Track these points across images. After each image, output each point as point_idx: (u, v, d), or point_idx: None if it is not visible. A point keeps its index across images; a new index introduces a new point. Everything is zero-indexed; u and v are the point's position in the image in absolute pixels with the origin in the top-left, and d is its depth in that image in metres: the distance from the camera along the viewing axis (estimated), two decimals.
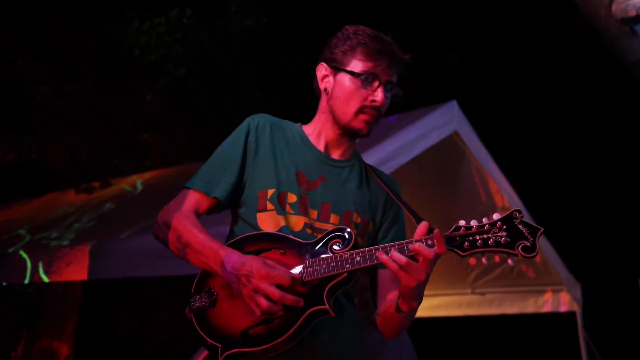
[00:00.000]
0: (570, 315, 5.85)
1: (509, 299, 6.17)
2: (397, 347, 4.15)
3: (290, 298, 1.77)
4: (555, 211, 8.93)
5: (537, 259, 5.73)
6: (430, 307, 6.39)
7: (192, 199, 2.03)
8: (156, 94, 8.22)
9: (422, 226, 1.80)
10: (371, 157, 3.79)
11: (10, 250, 4.67)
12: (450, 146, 4.87)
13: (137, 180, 6.74)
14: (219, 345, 1.83)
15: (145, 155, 8.36)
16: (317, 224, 2.00)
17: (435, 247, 1.74)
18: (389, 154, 4.01)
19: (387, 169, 3.94)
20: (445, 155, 5.02)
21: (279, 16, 8.66)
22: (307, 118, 2.24)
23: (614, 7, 4.32)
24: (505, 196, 5.26)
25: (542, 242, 5.55)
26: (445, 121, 4.54)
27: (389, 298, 2.01)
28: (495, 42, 9.55)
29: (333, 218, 2.02)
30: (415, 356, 4.24)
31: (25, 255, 4.39)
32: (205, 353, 1.89)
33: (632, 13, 4.26)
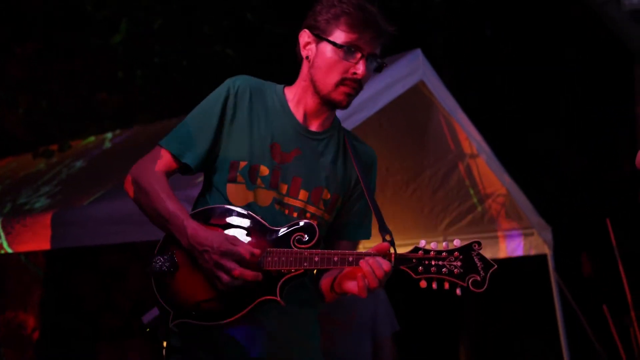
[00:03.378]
0: (542, 257, 6.01)
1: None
2: (371, 301, 4.22)
3: (249, 273, 1.85)
4: (523, 156, 9.06)
5: (508, 203, 5.85)
6: None
7: (164, 159, 2.06)
8: (111, 51, 8.06)
9: (383, 246, 1.89)
10: (337, 112, 3.80)
11: None
12: (416, 96, 4.88)
13: (104, 140, 6.68)
14: (171, 312, 1.93)
15: (103, 115, 8.25)
16: (286, 199, 2.05)
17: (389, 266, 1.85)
18: (354, 107, 3.97)
19: (354, 121, 3.95)
20: (411, 105, 5.04)
21: None
22: (283, 79, 2.23)
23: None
24: (473, 143, 5.32)
25: (512, 188, 5.66)
26: (410, 71, 4.54)
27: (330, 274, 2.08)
28: None
29: (302, 194, 2.07)
30: (390, 307, 4.32)
31: None
32: (156, 314, 1.96)
33: None
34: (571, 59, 9.85)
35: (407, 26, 9.29)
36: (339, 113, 2.22)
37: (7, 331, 6.11)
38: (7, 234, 4.24)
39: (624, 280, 4.44)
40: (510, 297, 9.09)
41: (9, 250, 4.30)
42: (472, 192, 5.76)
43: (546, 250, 5.98)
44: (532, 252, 6.05)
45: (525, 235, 6.06)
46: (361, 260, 1.85)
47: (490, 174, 5.55)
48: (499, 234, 6.10)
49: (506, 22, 9.97)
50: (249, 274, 1.85)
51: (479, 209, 5.89)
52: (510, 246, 6.10)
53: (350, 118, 3.92)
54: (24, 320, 6.16)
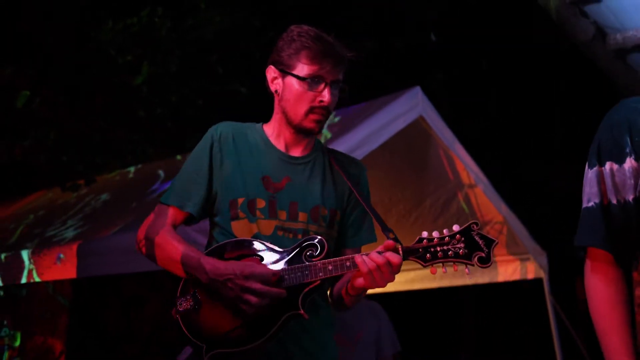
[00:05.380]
0: (538, 281, 6.00)
1: (480, 270, 6.29)
2: (375, 322, 4.24)
3: (275, 291, 1.88)
4: (519, 185, 9.07)
5: (505, 230, 5.86)
6: (407, 281, 6.49)
7: (168, 213, 2.11)
8: (133, 91, 8.17)
9: (389, 243, 1.90)
10: (342, 145, 3.86)
11: (6, 251, 4.66)
12: (416, 130, 4.95)
13: (127, 174, 6.75)
14: (204, 345, 1.94)
15: (125, 151, 8.33)
16: (287, 224, 2.08)
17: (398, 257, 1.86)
18: (359, 142, 4.10)
19: (358, 155, 3.99)
20: (412, 139, 5.10)
21: (250, 9, 8.61)
22: None
23: None
24: (471, 174, 5.36)
25: (509, 215, 5.68)
26: (410, 107, 4.61)
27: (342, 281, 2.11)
28: (456, 25, 9.61)
29: (302, 216, 2.09)
30: (392, 329, 4.34)
31: (25, 256, 4.40)
32: (190, 351, 1.98)
33: None
34: (562, 92, 9.90)
35: (408, 64, 9.42)
36: (344, 147, 2.25)
37: (36, 355, 6.12)
38: (36, 263, 4.28)
39: None
40: (508, 319, 9.03)
41: (37, 279, 4.33)
42: (470, 219, 5.76)
43: (542, 274, 5.98)
44: (529, 277, 6.04)
45: (522, 260, 6.06)
46: (363, 257, 1.87)
47: (487, 203, 5.57)
48: (497, 259, 6.10)
49: (500, 59, 10.05)
50: (275, 291, 1.87)
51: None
52: (507, 271, 6.10)
53: (355, 151, 3.99)
54: (51, 345, 6.17)
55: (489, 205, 5.59)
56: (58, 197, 6.62)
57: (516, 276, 6.07)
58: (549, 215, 9.13)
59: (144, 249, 2.10)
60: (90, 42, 7.97)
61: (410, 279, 6.46)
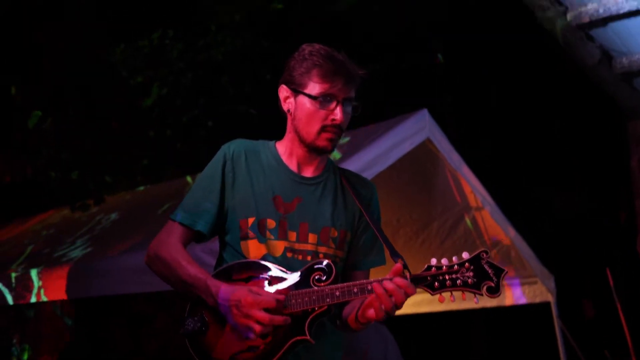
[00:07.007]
0: (545, 305, 5.94)
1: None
2: (381, 343, 4.21)
3: (278, 319, 1.86)
4: (526, 208, 9.02)
5: (512, 253, 5.82)
6: (415, 304, 6.44)
7: (178, 230, 2.08)
8: (144, 112, 8.22)
9: (397, 268, 1.88)
10: (350, 166, 3.84)
11: (17, 271, 4.67)
12: (424, 152, 4.94)
13: (135, 194, 6.76)
14: None
15: (135, 171, 8.36)
16: (297, 245, 2.05)
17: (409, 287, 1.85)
18: (366, 163, 4.10)
19: (365, 176, 3.99)
20: (419, 161, 5.09)
21: (260, 30, 8.67)
22: None
23: (569, 15, 4.43)
24: (478, 197, 5.34)
25: (516, 238, 5.64)
26: (417, 130, 4.61)
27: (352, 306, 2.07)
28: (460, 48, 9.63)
29: (311, 238, 2.07)
30: (398, 351, 4.30)
31: (34, 276, 4.40)
32: None
33: (586, 20, 4.36)
34: (569, 115, 9.89)
35: (415, 87, 9.45)
36: (355, 168, 2.23)
37: None
38: (44, 283, 4.28)
39: (625, 326, 4.37)
40: (516, 343, 8.94)
41: (45, 299, 4.33)
42: (478, 242, 5.74)
43: (549, 297, 5.92)
44: (536, 300, 5.99)
45: (529, 283, 6.00)
46: (374, 284, 1.85)
47: (495, 226, 5.54)
48: (504, 282, 6.05)
49: (508, 81, 10.05)
50: (278, 319, 1.85)
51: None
52: (515, 294, 6.05)
53: (363, 173, 3.97)
54: None
55: (496, 228, 5.56)
56: (68, 216, 6.64)
57: (524, 300, 6.01)
58: (556, 239, 9.07)
59: (152, 266, 2.09)
60: (102, 63, 8.06)
61: (417, 302, 6.41)
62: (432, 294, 1.86)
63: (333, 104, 2.04)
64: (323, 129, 2.05)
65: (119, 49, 8.20)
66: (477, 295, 1.85)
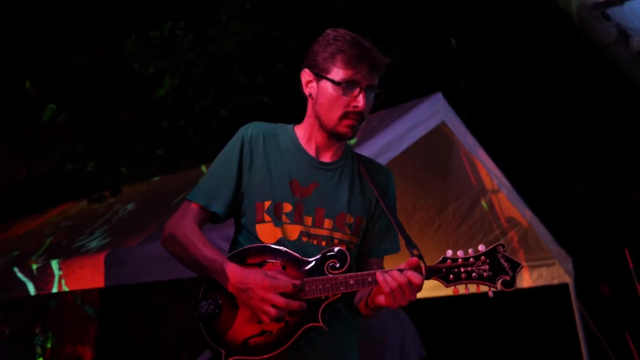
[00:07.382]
0: (564, 286, 5.91)
1: None
2: (399, 328, 4.21)
3: (294, 304, 1.87)
4: (543, 190, 8.95)
5: (529, 235, 5.79)
6: (431, 287, 6.41)
7: (194, 211, 2.07)
8: (157, 103, 8.24)
9: (412, 261, 1.89)
10: (365, 152, 3.84)
11: (37, 262, 4.71)
12: (439, 136, 4.91)
13: (151, 185, 6.79)
14: (223, 351, 1.92)
15: (150, 161, 8.40)
16: (312, 230, 2.05)
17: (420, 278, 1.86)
18: (380, 148, 4.08)
19: (381, 162, 3.97)
20: (434, 145, 5.07)
21: (272, 20, 8.64)
22: None
23: None
24: (494, 179, 5.30)
25: (533, 220, 5.61)
26: (431, 113, 4.58)
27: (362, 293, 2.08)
28: (474, 34, 9.55)
29: (327, 223, 2.07)
30: (416, 334, 4.29)
31: (55, 266, 4.44)
32: (209, 356, 1.97)
33: None
34: (586, 96, 9.79)
35: (429, 71, 9.39)
36: (367, 154, 2.22)
37: None
38: (65, 273, 4.31)
39: None
40: (534, 325, 8.91)
41: (66, 289, 4.36)
42: (494, 225, 5.72)
43: (567, 279, 5.89)
44: (554, 282, 5.96)
45: (547, 265, 5.97)
46: (377, 274, 1.86)
47: (511, 208, 5.51)
48: (522, 264, 6.03)
49: (522, 66, 9.96)
50: (294, 304, 1.86)
51: (502, 241, 5.84)
52: (533, 276, 6.02)
53: (378, 158, 3.97)
54: (81, 353, 6.23)
55: (512, 210, 5.53)
56: (85, 208, 6.68)
57: (542, 281, 5.99)
58: (574, 220, 9.01)
59: (167, 246, 2.08)
60: (114, 55, 8.08)
61: (435, 285, 6.38)
62: (446, 286, 1.87)
63: (356, 91, 2.02)
64: (345, 115, 2.03)
65: (130, 40, 8.21)
66: (491, 289, 1.85)
